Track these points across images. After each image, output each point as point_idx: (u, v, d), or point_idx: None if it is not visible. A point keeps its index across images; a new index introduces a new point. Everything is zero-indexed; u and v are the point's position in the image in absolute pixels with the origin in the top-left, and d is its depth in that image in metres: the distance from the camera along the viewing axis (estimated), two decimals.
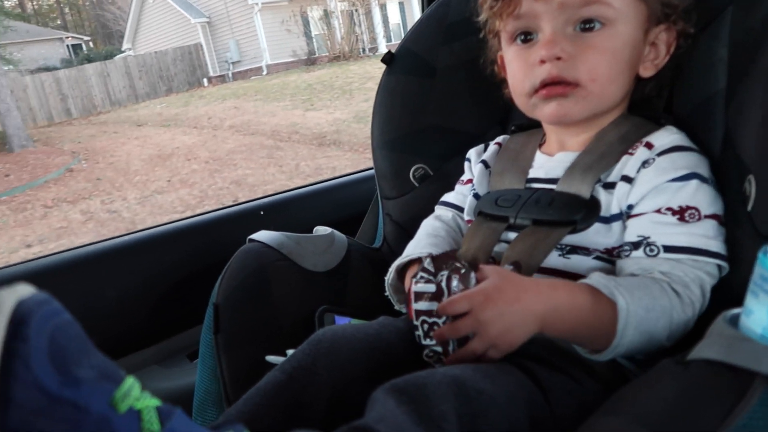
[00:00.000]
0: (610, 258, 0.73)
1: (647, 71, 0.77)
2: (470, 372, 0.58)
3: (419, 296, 0.64)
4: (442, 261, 0.65)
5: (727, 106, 0.74)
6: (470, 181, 0.92)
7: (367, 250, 1.04)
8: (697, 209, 0.67)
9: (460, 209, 0.92)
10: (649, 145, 0.73)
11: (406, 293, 0.71)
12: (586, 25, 0.71)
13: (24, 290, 0.34)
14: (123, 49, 15.53)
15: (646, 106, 0.82)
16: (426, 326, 0.64)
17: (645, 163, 0.72)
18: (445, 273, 0.64)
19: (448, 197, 0.95)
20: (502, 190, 0.84)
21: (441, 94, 1.04)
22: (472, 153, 0.95)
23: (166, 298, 1.17)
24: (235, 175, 5.80)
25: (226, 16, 13.36)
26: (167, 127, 8.31)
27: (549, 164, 0.82)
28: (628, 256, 0.70)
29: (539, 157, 0.85)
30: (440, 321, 0.63)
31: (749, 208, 0.65)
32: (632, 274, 0.68)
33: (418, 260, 0.81)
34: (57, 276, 1.09)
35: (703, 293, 0.66)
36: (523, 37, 0.77)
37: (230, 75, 13.16)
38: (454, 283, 0.63)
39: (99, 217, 5.05)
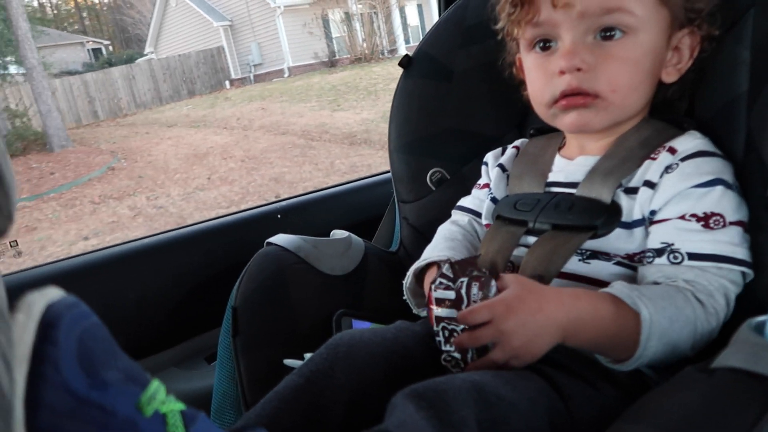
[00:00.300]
0: (631, 263, 0.72)
1: (670, 76, 0.76)
2: (490, 378, 0.57)
3: (439, 302, 0.64)
4: (461, 267, 0.65)
5: (750, 110, 0.73)
6: (487, 185, 0.91)
7: (384, 253, 1.04)
8: (722, 216, 0.66)
9: (477, 214, 0.91)
10: (672, 150, 0.72)
11: (425, 297, 0.71)
12: (607, 33, 0.70)
13: (53, 293, 0.35)
14: (145, 52, 15.73)
15: (668, 109, 0.81)
16: (446, 332, 0.64)
17: (668, 168, 0.71)
18: (465, 280, 0.63)
19: (464, 202, 0.95)
20: (521, 194, 0.84)
21: (458, 98, 1.04)
22: (489, 157, 0.95)
23: (184, 301, 1.18)
24: (272, 172, 5.96)
25: (248, 19, 13.52)
26: (197, 128, 8.55)
27: (569, 168, 0.81)
28: (651, 262, 0.69)
29: (559, 160, 0.84)
30: (459, 328, 0.63)
31: None
32: (655, 281, 0.67)
33: (436, 264, 0.81)
34: (77, 278, 1.10)
35: (727, 302, 0.65)
36: (542, 44, 0.76)
37: (251, 77, 13.34)
38: (474, 290, 0.63)
39: (147, 213, 5.28)
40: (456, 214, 0.95)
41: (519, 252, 0.79)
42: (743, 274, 0.66)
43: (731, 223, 0.66)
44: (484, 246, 0.82)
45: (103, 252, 1.17)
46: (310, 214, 1.32)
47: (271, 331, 0.85)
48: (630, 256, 0.72)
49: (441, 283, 0.64)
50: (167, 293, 1.17)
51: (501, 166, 0.90)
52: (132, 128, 9.60)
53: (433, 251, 0.85)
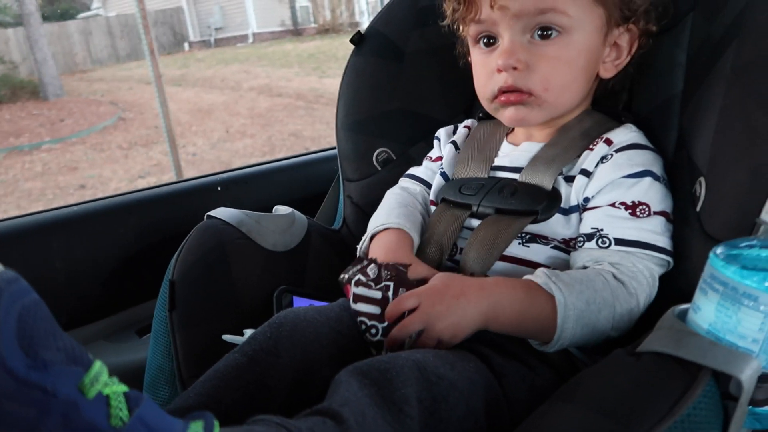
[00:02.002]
0: (566, 248, 0.76)
1: (608, 72, 0.79)
2: (432, 358, 0.59)
3: (360, 298, 0.65)
4: (387, 270, 0.66)
5: (683, 110, 0.77)
6: (440, 158, 0.93)
7: (327, 231, 1.04)
8: (648, 205, 0.71)
9: (429, 185, 0.92)
10: (608, 141, 0.76)
11: (343, 283, 0.70)
12: (544, 32, 0.73)
13: None
14: (92, 8, 14.72)
15: (609, 101, 0.85)
16: (364, 326, 0.66)
17: (603, 159, 0.75)
18: (391, 284, 0.65)
19: (416, 171, 0.95)
20: (466, 178, 0.86)
21: (408, 79, 1.03)
22: (441, 132, 0.96)
23: (116, 272, 1.13)
24: (288, 129, 6.08)
25: None
26: (180, 87, 8.55)
27: (514, 153, 0.84)
28: (581, 246, 0.73)
29: (505, 146, 0.87)
30: (381, 326, 0.65)
31: (698, 208, 0.68)
32: (584, 264, 0.71)
33: (358, 259, 0.75)
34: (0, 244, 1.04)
35: (652, 281, 0.69)
36: (486, 40, 0.78)
37: (212, 41, 12.85)
38: (401, 292, 0.65)
39: (183, 159, 5.30)
40: (406, 182, 0.95)
41: (464, 235, 0.81)
42: (667, 261, 0.70)
43: (656, 213, 0.71)
44: (430, 228, 0.84)
45: (28, 218, 1.10)
46: (252, 188, 1.28)
47: (209, 307, 0.84)
48: (566, 241, 0.76)
49: (361, 280, 0.65)
50: (98, 263, 1.12)
51: (454, 143, 0.92)
52: (107, 83, 9.47)
53: (389, 216, 0.84)
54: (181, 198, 1.22)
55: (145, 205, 1.18)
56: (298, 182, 1.34)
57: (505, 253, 0.76)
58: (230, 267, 0.86)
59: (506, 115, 0.79)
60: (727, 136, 0.66)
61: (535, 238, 0.76)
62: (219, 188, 1.22)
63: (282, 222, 0.95)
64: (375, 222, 0.85)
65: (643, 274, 0.68)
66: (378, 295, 0.65)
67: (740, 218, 0.61)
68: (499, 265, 0.76)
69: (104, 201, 1.18)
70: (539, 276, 0.67)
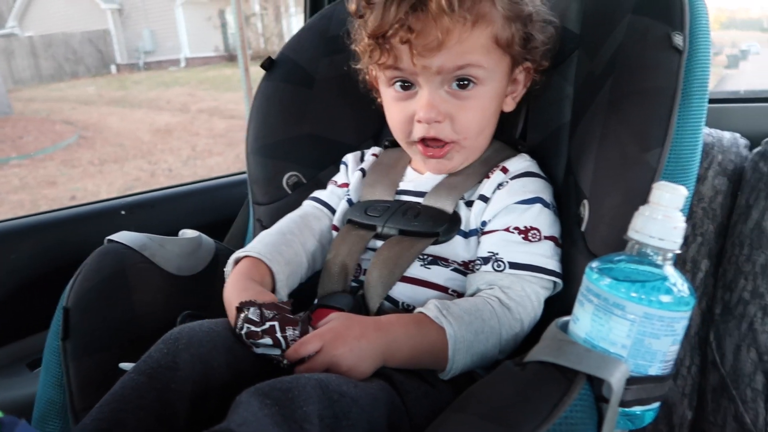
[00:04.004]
0: (465, 270, 0.79)
1: (508, 107, 0.85)
2: (334, 377, 0.60)
3: (256, 345, 0.65)
4: (267, 310, 0.66)
5: (571, 138, 0.84)
6: (346, 185, 0.94)
7: None
8: (538, 230, 0.76)
9: (332, 210, 0.93)
10: (504, 170, 0.81)
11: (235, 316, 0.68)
12: (461, 82, 0.77)
13: None
14: (7, 26, 13.84)
15: (507, 127, 0.90)
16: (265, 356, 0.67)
17: (500, 186, 0.80)
18: (275, 323, 0.65)
19: (320, 194, 0.96)
20: (372, 200, 0.88)
21: (318, 104, 1.05)
22: (349, 158, 0.98)
23: (7, 301, 1.06)
24: None
25: (140, 5, 12.67)
26: (124, 108, 8.45)
27: (418, 180, 0.87)
28: (478, 269, 0.76)
29: (410, 172, 0.90)
30: (277, 352, 0.65)
31: (583, 228, 0.74)
32: (478, 287, 0.75)
33: (239, 307, 0.69)
34: None
35: (538, 305, 0.74)
36: (401, 83, 0.80)
37: (141, 64, 12.45)
38: (289, 332, 0.65)
39: (161, 174, 5.34)
40: (309, 205, 0.95)
41: (368, 256, 0.83)
42: (554, 282, 0.75)
43: (546, 238, 0.76)
44: (334, 248, 0.85)
45: None
46: (159, 212, 1.25)
47: (107, 334, 0.80)
48: (465, 264, 0.79)
49: (250, 329, 0.65)
50: None
51: (363, 170, 0.94)
52: (42, 103, 9.23)
53: (256, 244, 0.83)
54: (81, 222, 1.16)
55: (40, 230, 1.12)
56: (206, 206, 1.31)
57: (408, 274, 0.79)
58: (131, 292, 0.83)
59: (429, 167, 0.84)
60: (606, 162, 0.73)
61: (437, 261, 0.80)
62: (123, 212, 1.18)
63: (187, 245, 0.93)
64: (247, 246, 0.83)
65: (529, 299, 0.73)
66: (269, 341, 0.65)
67: (615, 236, 0.66)
68: (402, 286, 0.79)
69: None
70: (431, 309, 0.69)
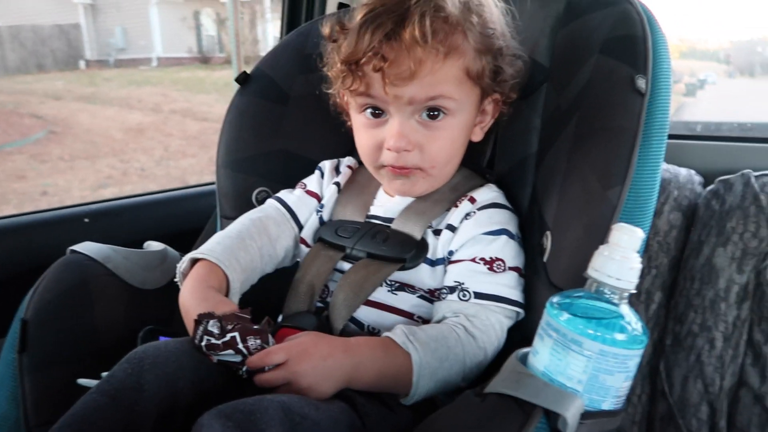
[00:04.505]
0: (431, 297, 0.81)
1: (477, 136, 0.87)
2: (297, 399, 0.60)
3: (216, 356, 0.65)
4: (227, 321, 0.66)
5: (537, 169, 0.86)
6: (316, 195, 0.94)
7: None
8: (503, 261, 0.78)
9: (296, 219, 0.92)
10: (472, 200, 0.83)
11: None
12: (431, 112, 0.78)
13: None
14: None
15: (475, 155, 0.92)
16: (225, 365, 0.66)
17: (467, 216, 0.81)
18: (236, 334, 0.65)
19: (287, 198, 0.94)
20: (343, 220, 0.89)
21: (292, 121, 1.06)
22: (326, 165, 0.97)
23: None
24: None
25: (114, 1, 12.42)
26: (95, 105, 8.21)
27: (388, 204, 0.88)
28: (445, 298, 0.78)
29: (381, 195, 0.91)
30: (245, 369, 0.65)
31: (545, 259, 0.76)
32: (444, 315, 0.77)
33: (198, 319, 0.68)
34: None
35: (501, 333, 0.76)
36: (372, 110, 0.80)
37: (112, 61, 12.18)
38: (251, 341, 0.66)
39: (133, 173, 5.21)
40: (272, 209, 0.93)
41: (336, 277, 0.84)
42: (517, 312, 0.78)
43: (510, 268, 0.78)
44: (303, 268, 0.85)
45: None
46: (123, 221, 1.22)
47: (66, 349, 0.78)
48: (431, 291, 0.81)
49: (210, 342, 0.65)
50: None
51: (338, 184, 0.94)
52: (7, 95, 8.91)
53: (214, 247, 0.81)
54: (42, 229, 1.13)
55: None
56: (173, 217, 1.29)
57: (375, 299, 0.80)
58: (92, 305, 0.82)
59: (394, 187, 0.84)
60: (569, 195, 0.75)
61: (404, 287, 0.81)
62: (86, 219, 1.15)
63: (152, 258, 0.92)
64: (205, 245, 0.81)
65: (494, 328, 0.75)
66: (231, 353, 0.65)
67: (575, 268, 0.69)
68: (369, 310, 0.80)
69: None
70: (398, 335, 0.71)
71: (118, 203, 1.25)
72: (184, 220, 1.29)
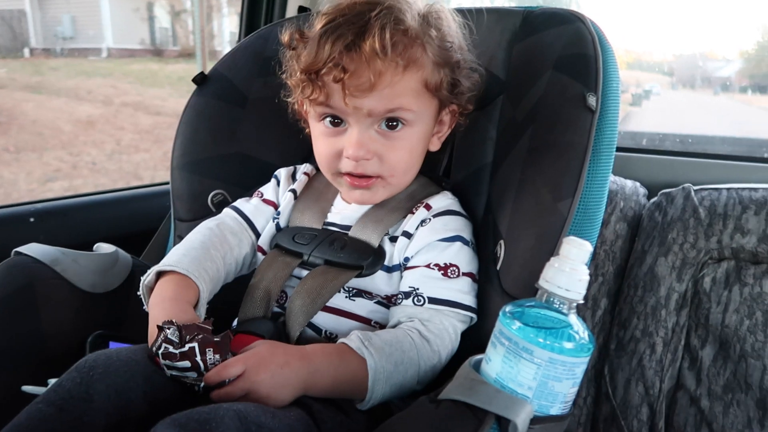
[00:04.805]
0: (388, 303, 0.82)
1: (434, 146, 0.89)
2: (252, 407, 0.60)
3: (171, 368, 0.64)
4: (188, 330, 0.65)
5: (492, 178, 0.89)
6: (272, 203, 0.94)
7: None
8: (457, 267, 0.80)
9: (253, 228, 0.92)
10: (428, 207, 0.85)
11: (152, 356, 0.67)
12: (390, 123, 0.79)
13: None
14: None
15: (431, 163, 0.94)
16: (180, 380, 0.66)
17: (423, 222, 0.83)
18: (195, 345, 0.65)
19: (244, 207, 0.93)
20: (300, 227, 0.89)
21: (250, 124, 1.05)
22: (282, 173, 0.97)
23: None
24: None
25: None
26: (42, 95, 7.78)
27: (345, 211, 0.89)
28: (400, 303, 0.79)
29: (338, 202, 0.91)
30: (201, 383, 0.65)
31: (498, 267, 0.79)
32: (399, 319, 0.78)
33: (159, 327, 0.68)
34: None
35: (455, 337, 0.78)
36: (331, 119, 0.81)
37: (58, 50, 11.68)
38: (209, 355, 0.65)
39: (84, 167, 5.00)
40: (229, 216, 0.92)
41: (293, 283, 0.84)
42: (470, 317, 0.80)
43: (464, 274, 0.80)
44: (259, 273, 0.85)
45: None
46: (72, 222, 1.18)
47: (10, 354, 0.75)
48: (388, 297, 0.82)
49: (168, 350, 0.64)
50: None
51: (294, 192, 0.94)
52: None
53: (181, 258, 0.80)
54: None
55: None
56: (124, 217, 1.26)
57: (332, 305, 0.81)
58: (39, 310, 0.79)
59: (352, 197, 0.85)
60: (522, 206, 0.78)
61: (361, 293, 0.82)
62: (32, 219, 1.11)
63: (103, 261, 0.89)
64: (169, 257, 0.80)
65: (447, 332, 0.77)
66: (187, 363, 0.64)
67: (527, 277, 0.72)
68: (326, 316, 0.80)
69: None
70: (353, 341, 0.72)
71: (67, 202, 1.21)
72: (136, 221, 1.26)
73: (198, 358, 0.64)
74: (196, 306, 0.78)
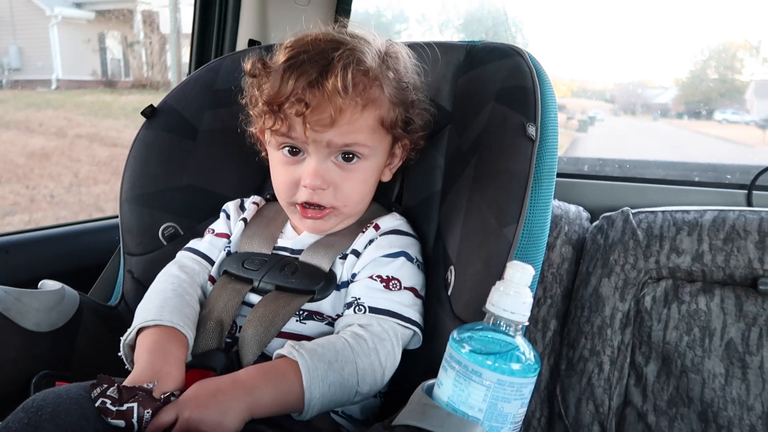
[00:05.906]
0: None
1: (386, 177, 0.92)
2: None
3: (104, 411, 0.63)
4: (128, 392, 0.64)
5: (441, 206, 0.91)
6: (225, 235, 0.94)
7: (101, 307, 0.97)
8: (399, 280, 0.82)
9: (211, 261, 0.93)
10: (376, 227, 0.87)
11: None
12: (346, 155, 0.82)
13: None
14: None
15: (384, 190, 0.96)
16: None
17: (371, 241, 0.86)
18: (134, 405, 0.63)
19: (198, 245, 0.94)
20: (250, 252, 0.89)
21: (201, 156, 1.05)
22: (230, 206, 0.98)
23: None
24: None
25: (9, 19, 11.54)
26: None
27: (296, 238, 0.90)
28: (342, 315, 0.81)
29: (289, 229, 0.92)
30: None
31: (449, 292, 0.81)
32: (338, 330, 0.79)
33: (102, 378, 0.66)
34: None
35: (396, 341, 0.78)
36: (290, 149, 0.83)
37: (4, 81, 11.31)
38: (147, 416, 0.64)
39: (42, 200, 4.81)
40: (186, 258, 0.93)
41: (244, 311, 0.83)
42: (414, 332, 0.81)
43: (406, 288, 0.82)
44: (210, 303, 0.84)
45: None
46: (15, 258, 1.13)
47: None
48: (339, 317, 0.83)
49: (105, 404, 0.63)
50: None
51: (245, 220, 0.94)
52: None
53: (161, 310, 0.79)
54: None
55: None
56: (70, 253, 1.22)
57: (284, 329, 0.81)
58: None
59: (304, 225, 0.87)
60: (469, 231, 0.81)
61: (312, 316, 0.83)
62: None
63: (48, 299, 0.87)
64: (145, 312, 0.79)
65: (387, 334, 0.77)
66: (122, 423, 0.62)
67: (477, 301, 0.74)
68: (278, 341, 0.80)
69: None
70: (285, 348, 0.72)
71: (9, 239, 1.16)
72: (83, 256, 1.23)
73: (134, 419, 0.63)
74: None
